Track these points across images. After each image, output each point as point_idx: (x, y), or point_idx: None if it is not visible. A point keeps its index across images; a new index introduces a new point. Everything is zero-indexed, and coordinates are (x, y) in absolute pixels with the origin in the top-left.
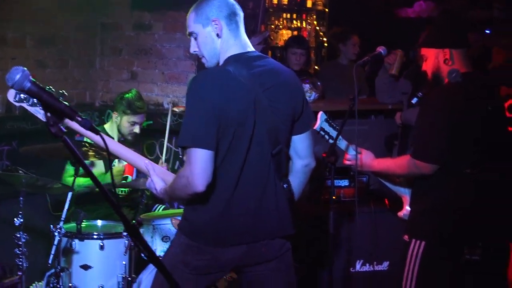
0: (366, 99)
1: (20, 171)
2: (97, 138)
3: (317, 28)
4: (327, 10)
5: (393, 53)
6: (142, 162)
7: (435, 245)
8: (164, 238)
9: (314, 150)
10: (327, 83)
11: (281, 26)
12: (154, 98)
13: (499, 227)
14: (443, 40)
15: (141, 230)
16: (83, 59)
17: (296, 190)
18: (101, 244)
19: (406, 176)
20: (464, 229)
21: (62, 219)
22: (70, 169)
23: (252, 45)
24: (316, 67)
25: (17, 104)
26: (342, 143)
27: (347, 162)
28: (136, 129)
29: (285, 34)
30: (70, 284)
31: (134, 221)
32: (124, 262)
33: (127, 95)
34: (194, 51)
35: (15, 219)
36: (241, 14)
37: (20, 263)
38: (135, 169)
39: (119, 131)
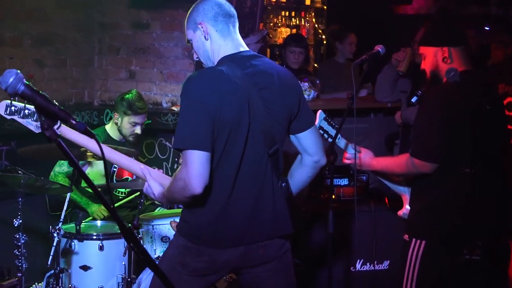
0: (365, 97)
1: (19, 172)
2: (91, 144)
3: (316, 25)
4: (325, 7)
5: (402, 51)
6: (138, 167)
7: (435, 244)
8: (163, 239)
9: None
10: (325, 82)
11: (279, 24)
12: (153, 97)
13: (499, 226)
14: (441, 38)
15: (141, 231)
16: (81, 58)
17: (303, 183)
18: (101, 244)
19: (405, 175)
20: (463, 228)
21: (61, 220)
22: (63, 162)
23: (251, 44)
24: (315, 65)
25: (8, 117)
26: (341, 142)
27: (347, 161)
28: (138, 130)
29: (284, 32)
30: (70, 285)
31: (130, 225)
32: (123, 263)
33: (127, 96)
34: (196, 58)
35: (14, 220)
36: (231, 13)
37: (20, 264)
38: None
39: (120, 132)
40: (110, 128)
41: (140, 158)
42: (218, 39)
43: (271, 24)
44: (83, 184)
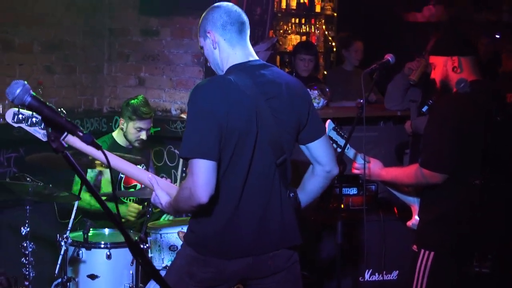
0: (374, 105)
1: (28, 178)
2: (98, 154)
3: (326, 33)
4: (335, 14)
5: (417, 60)
6: (145, 176)
7: (444, 255)
8: (171, 248)
9: None
10: (332, 89)
11: (289, 31)
12: (162, 105)
13: (509, 235)
14: (451, 48)
15: (149, 239)
16: (91, 65)
17: (315, 194)
18: (108, 253)
19: (414, 186)
20: (473, 239)
21: (69, 228)
22: (79, 181)
23: (260, 51)
24: (325, 72)
25: (15, 125)
26: (350, 152)
27: (356, 171)
28: (143, 136)
29: (294, 39)
30: None
31: (136, 238)
32: (131, 272)
33: (132, 101)
34: (209, 64)
35: (22, 228)
36: (242, 21)
37: (27, 273)
38: None
39: (126, 138)
40: (117, 134)
41: (155, 162)
42: (226, 48)
43: (281, 31)
44: (106, 189)
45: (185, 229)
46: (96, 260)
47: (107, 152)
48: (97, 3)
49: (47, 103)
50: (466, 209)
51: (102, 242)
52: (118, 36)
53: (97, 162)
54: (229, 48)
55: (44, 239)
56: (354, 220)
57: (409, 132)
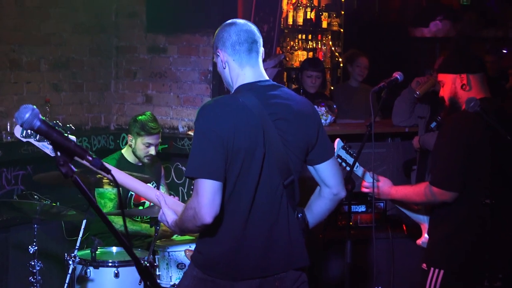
0: (382, 121)
1: (35, 196)
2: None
3: (333, 48)
4: (342, 30)
5: (428, 75)
6: (153, 194)
7: (453, 274)
8: (179, 265)
9: None
10: (338, 106)
11: (296, 47)
12: (169, 122)
13: None
14: (459, 66)
15: (156, 257)
16: (98, 82)
17: (321, 216)
18: (116, 271)
19: (424, 204)
20: (483, 259)
21: (77, 247)
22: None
23: (268, 68)
24: (332, 87)
25: (24, 139)
26: (359, 170)
27: (365, 190)
28: (152, 151)
29: (300, 55)
30: None
31: (146, 263)
32: None
33: (140, 117)
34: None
35: (30, 247)
36: (253, 39)
37: None
38: None
39: (135, 154)
40: (125, 151)
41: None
42: (235, 68)
43: (288, 47)
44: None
45: (192, 247)
46: (104, 278)
47: (116, 171)
48: (104, 21)
49: (56, 128)
50: (476, 227)
51: (110, 261)
52: (125, 54)
53: (105, 180)
54: (238, 68)
55: (51, 257)
56: (363, 237)
57: (417, 148)
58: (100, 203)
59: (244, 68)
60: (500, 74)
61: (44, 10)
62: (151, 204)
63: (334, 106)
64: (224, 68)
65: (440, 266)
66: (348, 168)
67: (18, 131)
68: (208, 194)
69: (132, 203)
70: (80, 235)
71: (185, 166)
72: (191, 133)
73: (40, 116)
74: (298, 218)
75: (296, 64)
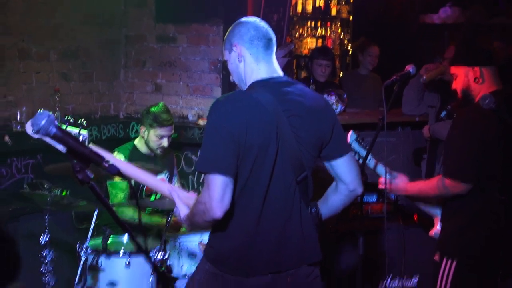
0: (392, 111)
1: (45, 185)
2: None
3: (342, 36)
4: (351, 18)
5: (437, 62)
6: (165, 187)
7: (466, 265)
8: (190, 255)
9: None
10: (348, 94)
11: (305, 35)
12: (179, 111)
13: None
14: (472, 58)
15: (167, 247)
16: (107, 72)
17: (336, 210)
18: (127, 261)
19: (438, 197)
20: (496, 254)
21: (88, 238)
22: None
23: (278, 58)
24: (341, 74)
25: (35, 136)
26: (371, 162)
27: (382, 187)
28: (164, 143)
29: (310, 42)
30: None
31: (163, 268)
32: (150, 280)
33: (153, 109)
34: (232, 80)
35: (41, 237)
36: (268, 37)
37: (46, 282)
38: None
39: (147, 145)
40: (138, 142)
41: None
42: (251, 63)
43: (297, 34)
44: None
45: (204, 237)
46: (115, 268)
47: (128, 166)
48: (113, 11)
49: (72, 134)
50: (490, 222)
51: (122, 251)
52: (134, 43)
53: None
54: (254, 63)
55: (61, 245)
56: (374, 228)
57: (427, 137)
58: (112, 193)
59: (260, 63)
60: (508, 61)
61: (53, 0)
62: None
63: (345, 96)
64: (240, 62)
65: (453, 257)
66: (361, 161)
67: (29, 128)
68: (218, 189)
69: (144, 193)
70: (92, 226)
71: (195, 155)
72: (201, 122)
73: (56, 122)
74: (311, 213)
75: (305, 51)
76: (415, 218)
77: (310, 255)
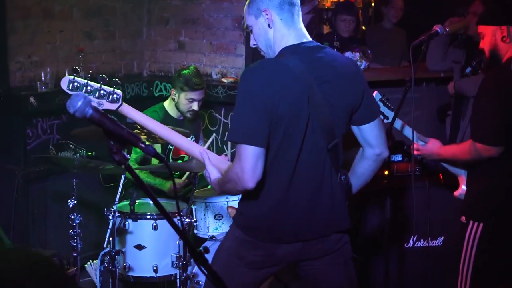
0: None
1: (71, 146)
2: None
3: None
4: None
5: (462, 18)
6: (197, 150)
7: (493, 227)
8: (216, 216)
9: None
10: (371, 49)
11: None
12: (202, 69)
13: None
14: (500, 17)
15: (194, 208)
16: (130, 30)
17: (366, 178)
18: (155, 224)
19: (472, 162)
20: None
21: (116, 202)
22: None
23: (302, 14)
24: (363, 27)
25: (70, 92)
26: (397, 123)
27: (417, 153)
28: (195, 106)
29: None
30: (124, 264)
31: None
32: (177, 242)
33: (184, 72)
34: (253, 45)
35: (69, 200)
36: (297, 2)
37: (75, 244)
38: None
39: (177, 108)
40: (168, 105)
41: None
42: (282, 28)
43: None
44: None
45: (230, 199)
46: (142, 231)
47: (161, 127)
48: None
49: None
50: None
51: (148, 213)
52: (158, 1)
53: (142, 136)
54: (284, 28)
55: (89, 205)
56: (399, 187)
57: (452, 93)
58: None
59: (290, 28)
60: None
61: None
62: (190, 157)
63: (369, 52)
64: (270, 28)
65: (480, 219)
66: (386, 121)
67: (64, 84)
68: (251, 160)
69: (171, 157)
70: (119, 190)
71: (219, 114)
72: (224, 80)
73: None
74: (341, 180)
75: (328, 4)
76: (440, 177)
77: (340, 222)
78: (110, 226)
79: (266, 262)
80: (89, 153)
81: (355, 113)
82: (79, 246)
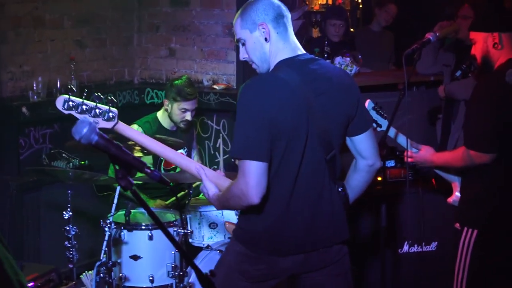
0: (407, 70)
1: (64, 155)
2: (148, 143)
3: None
4: None
5: (452, 22)
6: (193, 166)
7: (487, 234)
8: (211, 225)
9: None
10: (360, 52)
11: None
12: (193, 76)
13: None
14: (491, 24)
15: (188, 217)
16: (121, 37)
17: (360, 189)
18: (150, 234)
19: (465, 169)
20: None
21: (112, 213)
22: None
23: (292, 21)
24: (351, 29)
25: (66, 112)
26: (391, 132)
27: (410, 160)
28: (188, 116)
29: None
30: (120, 274)
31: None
32: (173, 252)
33: (176, 82)
34: (244, 58)
35: (64, 212)
36: (288, 15)
37: (71, 256)
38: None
39: (171, 119)
40: (161, 115)
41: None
42: (278, 42)
43: None
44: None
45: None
46: (138, 241)
47: (155, 143)
48: None
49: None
50: (508, 191)
51: (144, 224)
52: (148, 7)
53: (136, 148)
54: (281, 41)
55: (82, 214)
56: (392, 192)
57: (442, 97)
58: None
59: (286, 41)
60: None
61: None
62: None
63: (359, 56)
64: (267, 42)
65: (474, 225)
66: (379, 129)
67: (59, 103)
68: (255, 176)
69: (162, 168)
70: (115, 202)
71: (211, 120)
72: (216, 87)
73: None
74: (339, 191)
75: (316, 7)
76: (433, 182)
77: (340, 233)
78: (106, 237)
79: (267, 275)
80: (82, 162)
81: (350, 123)
82: (75, 257)
